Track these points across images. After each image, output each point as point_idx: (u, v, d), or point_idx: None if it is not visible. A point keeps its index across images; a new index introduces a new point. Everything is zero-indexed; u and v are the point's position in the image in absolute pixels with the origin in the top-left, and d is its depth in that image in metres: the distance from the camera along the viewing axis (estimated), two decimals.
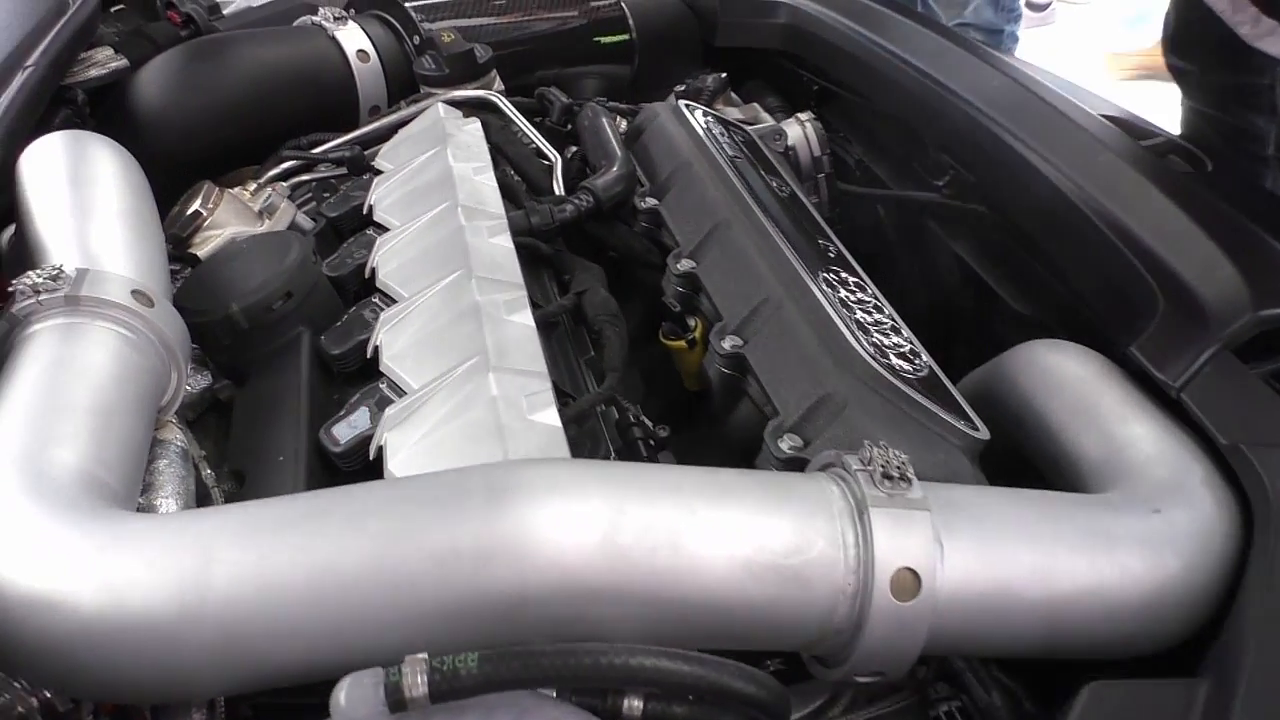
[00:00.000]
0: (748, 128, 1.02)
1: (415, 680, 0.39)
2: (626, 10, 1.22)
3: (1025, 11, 3.26)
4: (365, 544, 0.43)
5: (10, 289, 0.60)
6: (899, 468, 0.47)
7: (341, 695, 0.39)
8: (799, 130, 1.03)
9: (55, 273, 0.59)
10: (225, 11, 1.11)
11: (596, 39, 1.19)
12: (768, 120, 1.07)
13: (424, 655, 0.40)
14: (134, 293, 0.61)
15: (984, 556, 0.47)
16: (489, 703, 0.40)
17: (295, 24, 1.06)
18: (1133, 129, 1.07)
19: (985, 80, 0.99)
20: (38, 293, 0.58)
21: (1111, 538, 0.50)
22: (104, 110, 0.97)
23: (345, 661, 0.42)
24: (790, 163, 1.03)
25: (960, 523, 0.48)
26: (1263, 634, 0.45)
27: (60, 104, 0.95)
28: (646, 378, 0.81)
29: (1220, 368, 0.62)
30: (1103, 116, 1.07)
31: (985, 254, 0.97)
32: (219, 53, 0.96)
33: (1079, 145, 0.86)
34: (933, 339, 1.06)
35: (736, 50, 1.30)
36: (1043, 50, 2.55)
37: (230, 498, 0.62)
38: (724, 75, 1.13)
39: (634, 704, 0.44)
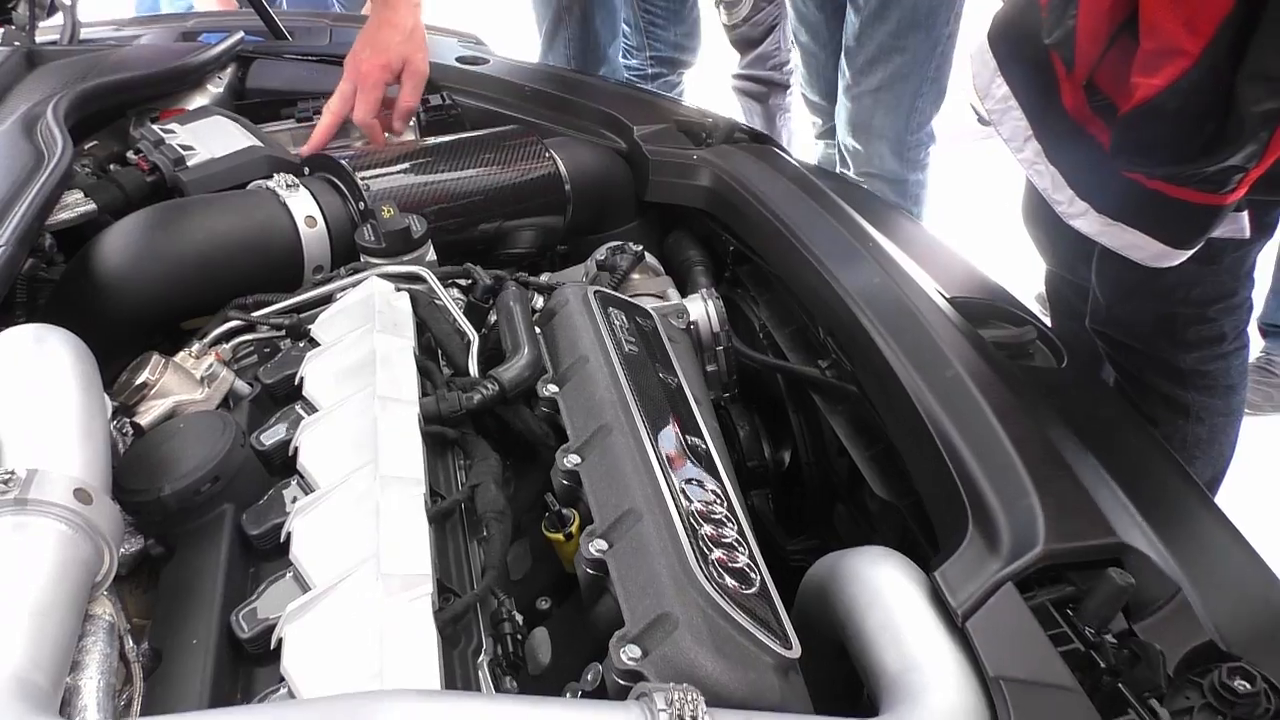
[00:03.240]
0: (653, 303, 1.14)
1: None
2: (560, 170, 1.34)
3: (974, 125, 3.42)
4: None
5: None
6: (693, 713, 0.58)
7: None
8: (700, 307, 1.15)
9: (7, 476, 0.69)
10: (190, 163, 1.21)
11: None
12: (675, 298, 1.19)
13: None
14: (75, 491, 0.70)
15: None
16: None
17: (250, 187, 1.16)
18: (1005, 315, 1.20)
19: (868, 278, 1.11)
20: None
21: None
22: (69, 265, 1.07)
23: None
24: (692, 337, 1.14)
25: None
26: None
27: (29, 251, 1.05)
28: (536, 554, 0.92)
29: (1004, 599, 0.74)
30: (978, 300, 1.20)
31: (857, 434, 1.09)
32: (178, 220, 1.07)
33: (934, 359, 0.98)
34: (818, 488, 1.18)
35: (663, 205, 1.43)
36: (990, 168, 2.66)
37: (148, 673, 0.72)
38: (640, 249, 1.25)
39: None
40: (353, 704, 0.57)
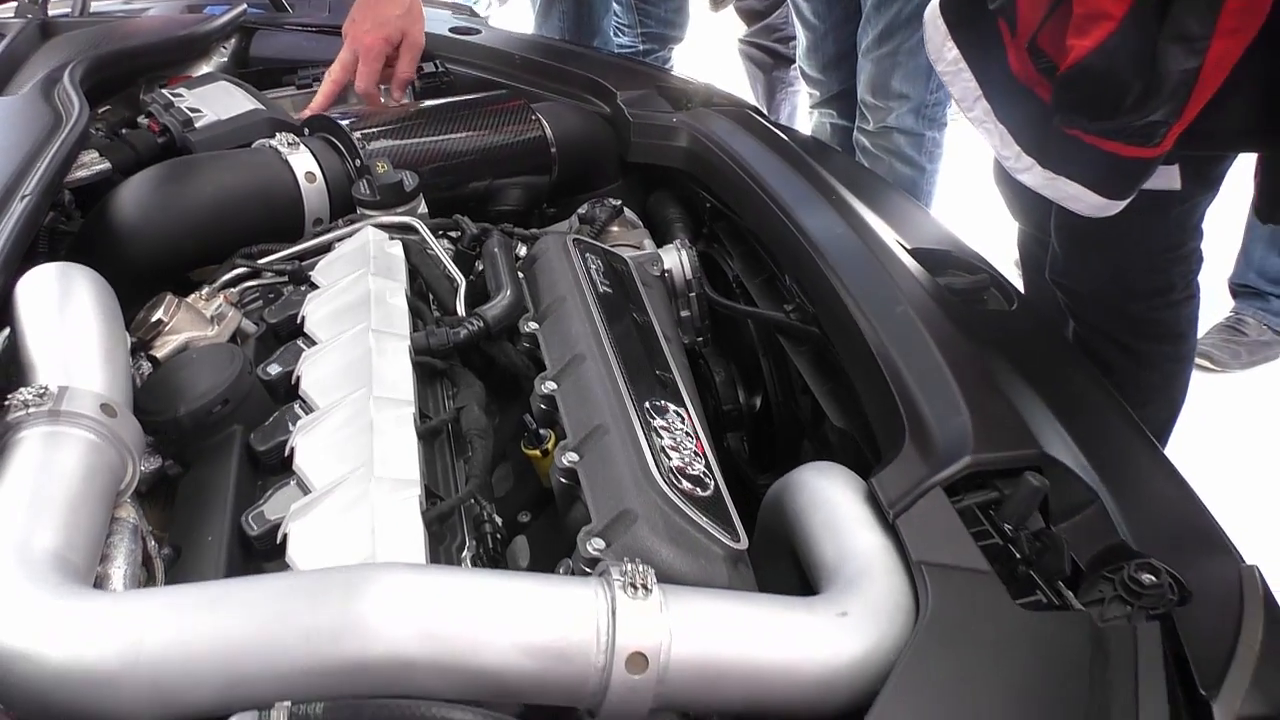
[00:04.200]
0: (630, 252, 1.22)
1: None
2: (547, 132, 1.42)
3: None
4: (254, 622, 0.62)
5: (5, 403, 0.78)
6: (644, 581, 0.67)
7: None
8: (674, 257, 1.23)
9: (41, 391, 0.78)
10: (198, 124, 1.29)
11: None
12: (651, 249, 1.27)
13: (288, 703, 0.58)
14: (102, 406, 0.79)
15: (701, 646, 0.67)
16: None
17: (254, 145, 1.25)
18: (961, 264, 1.28)
19: (830, 228, 1.19)
20: (27, 406, 0.77)
21: (802, 633, 0.69)
22: (87, 217, 1.15)
23: (233, 705, 0.60)
24: (666, 284, 1.22)
25: (687, 621, 0.67)
26: (884, 711, 0.64)
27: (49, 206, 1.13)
28: (518, 474, 1.00)
29: (933, 502, 0.82)
30: (936, 250, 1.28)
31: (818, 372, 1.17)
32: (188, 175, 1.15)
33: (886, 297, 1.06)
34: (786, 426, 1.26)
35: (646, 165, 1.51)
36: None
37: (168, 566, 0.81)
38: (617, 203, 1.33)
39: None
40: (347, 574, 0.66)
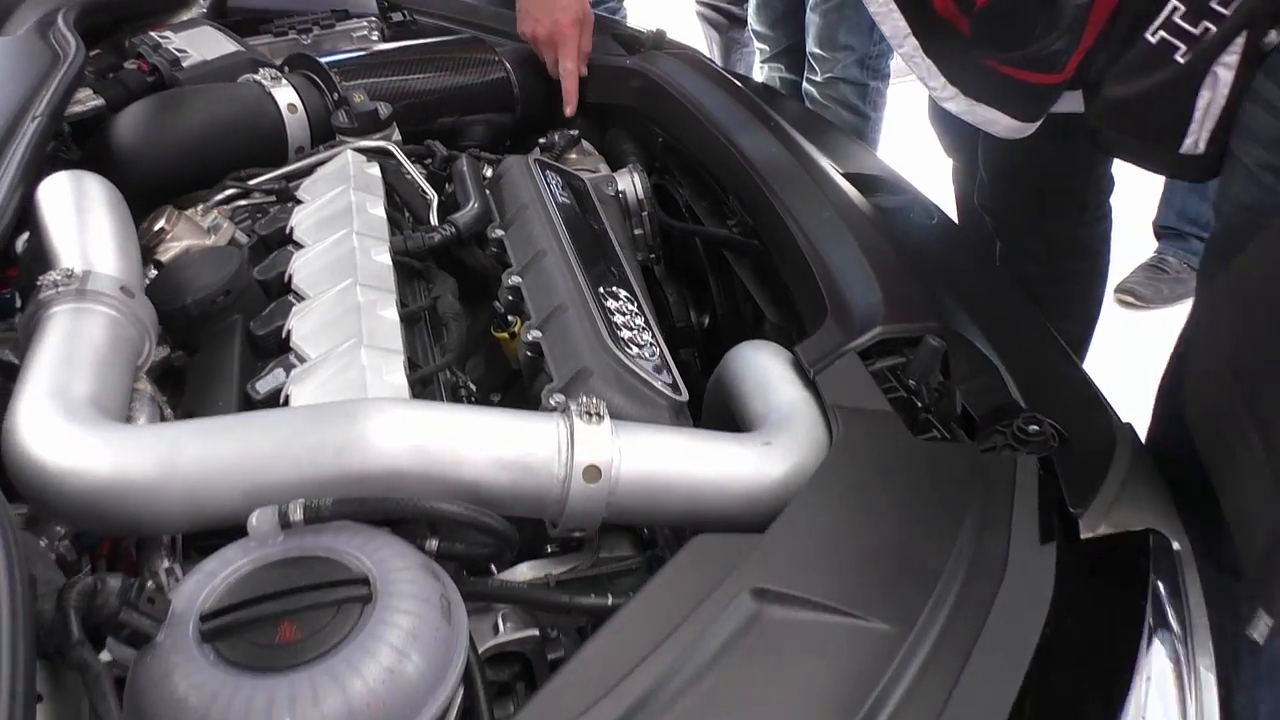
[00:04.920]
0: (586, 175, 1.34)
1: (296, 512, 0.70)
2: (510, 74, 1.53)
3: None
4: (273, 440, 0.74)
5: (37, 284, 0.89)
6: (597, 411, 0.79)
7: (254, 519, 0.70)
8: (628, 179, 1.35)
9: (68, 273, 0.89)
10: (185, 64, 1.40)
11: None
12: (605, 170, 1.39)
13: (302, 499, 0.70)
14: (121, 288, 0.90)
15: (646, 464, 0.79)
16: (338, 527, 0.71)
17: (239, 80, 1.35)
18: (888, 186, 1.42)
19: (768, 150, 1.32)
20: (56, 286, 0.88)
21: (732, 458, 0.82)
22: (88, 144, 1.25)
23: (256, 507, 0.72)
24: (621, 204, 1.34)
25: (634, 444, 0.80)
26: (794, 511, 0.77)
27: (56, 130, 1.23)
28: (488, 360, 1.12)
29: (847, 362, 0.95)
30: (865, 174, 1.41)
31: (758, 279, 1.30)
32: (180, 105, 1.25)
33: (816, 206, 1.19)
34: (731, 335, 1.39)
35: (606, 104, 1.63)
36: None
37: None
38: (574, 133, 1.45)
39: (431, 544, 0.75)
40: (349, 404, 0.78)
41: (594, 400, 0.80)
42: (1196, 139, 1.16)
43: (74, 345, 0.84)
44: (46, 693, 0.61)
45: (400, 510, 0.72)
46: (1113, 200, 1.71)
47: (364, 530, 0.72)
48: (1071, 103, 1.33)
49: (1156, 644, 0.81)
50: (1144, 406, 1.11)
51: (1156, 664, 0.78)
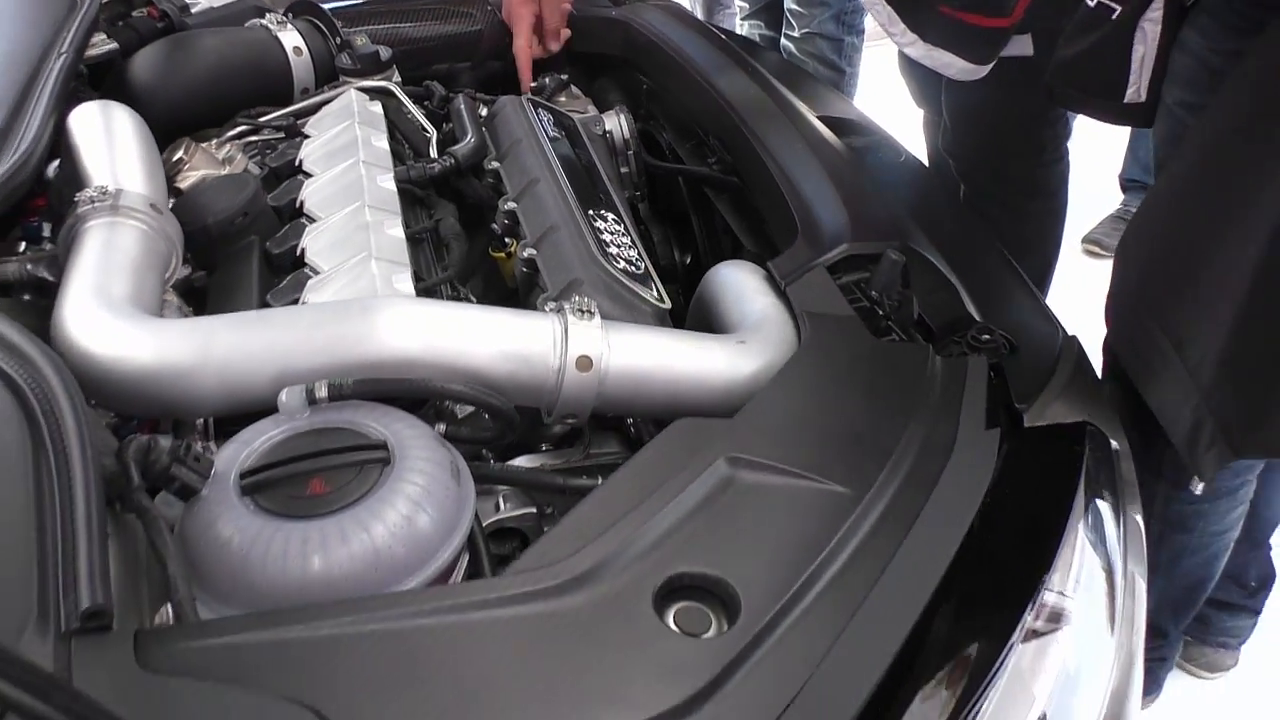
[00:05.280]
0: (575, 116, 1.42)
1: (321, 390, 0.78)
2: (498, 22, 1.61)
3: None
4: (297, 330, 0.83)
5: (74, 200, 0.97)
6: (589, 309, 0.88)
7: (283, 396, 0.78)
8: (615, 120, 1.43)
9: (103, 190, 0.97)
10: (194, 10, 1.47)
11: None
12: (594, 112, 1.47)
13: (326, 380, 0.79)
14: (151, 205, 0.98)
15: (632, 358, 0.89)
16: (358, 405, 0.80)
17: (247, 25, 1.42)
18: (859, 128, 1.50)
19: (745, 91, 1.40)
20: (93, 202, 0.96)
21: (710, 355, 0.91)
22: (104, 84, 1.33)
23: (283, 389, 0.81)
24: (608, 144, 1.43)
25: (622, 340, 0.89)
26: (765, 396, 0.87)
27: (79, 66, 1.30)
28: (487, 280, 1.21)
29: (815, 275, 1.04)
30: (836, 117, 1.50)
31: (737, 212, 1.39)
32: (191, 46, 1.33)
33: (788, 139, 1.28)
34: (710, 264, 1.47)
35: (590, 54, 1.71)
36: None
37: None
38: (564, 77, 1.53)
39: (439, 428, 0.84)
40: (362, 302, 0.86)
41: (586, 302, 0.89)
42: (1138, 88, 1.26)
43: (111, 253, 0.92)
44: (111, 533, 0.69)
45: (413, 389, 0.81)
46: (1080, 155, 1.80)
47: (381, 407, 0.81)
48: (1021, 46, 1.43)
49: (1098, 504, 0.91)
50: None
51: (1094, 518, 0.87)
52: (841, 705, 0.65)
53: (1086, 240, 2.61)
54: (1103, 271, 2.57)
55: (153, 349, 0.82)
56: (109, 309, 0.85)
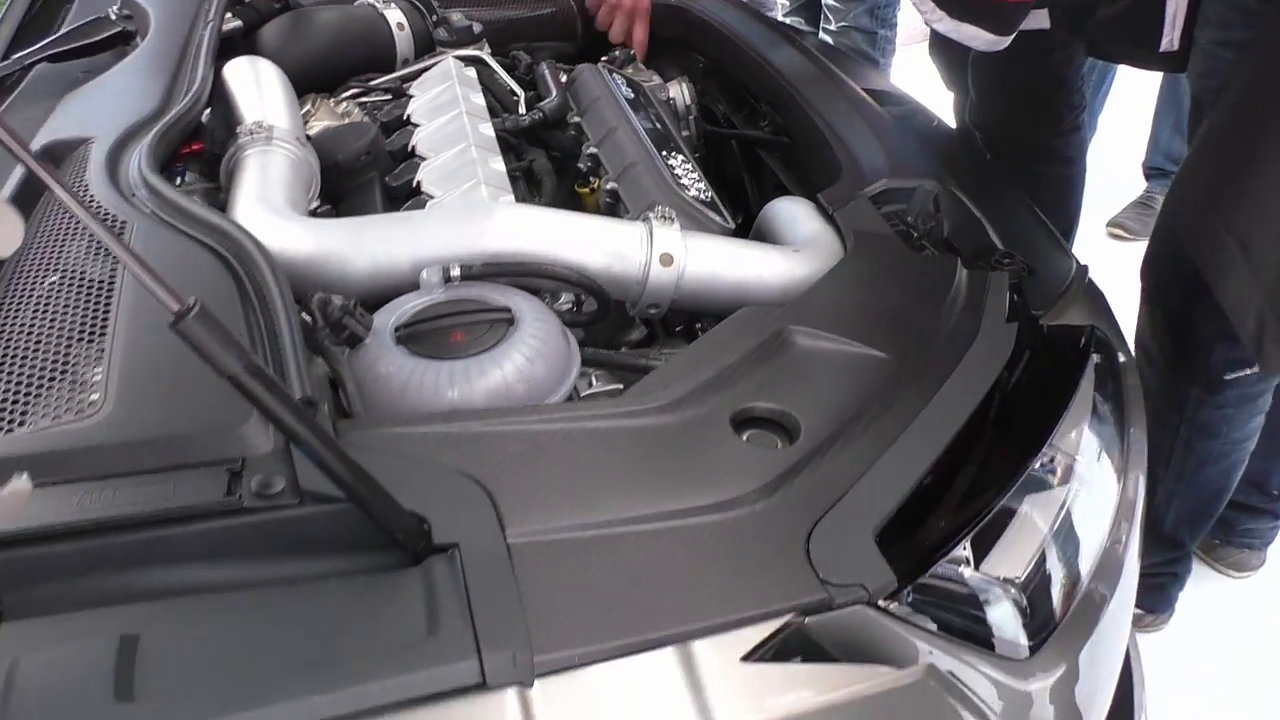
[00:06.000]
0: (644, 84, 1.60)
1: (455, 269, 0.96)
2: (573, 6, 1.80)
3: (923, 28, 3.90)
4: (431, 225, 1.01)
5: (235, 132, 1.16)
6: (671, 216, 1.05)
7: (424, 274, 0.96)
8: (677, 89, 1.61)
9: (258, 125, 1.16)
10: None
11: None
12: (658, 80, 1.65)
13: (459, 262, 0.97)
14: (296, 139, 1.17)
15: (705, 258, 1.06)
16: (484, 285, 0.97)
17: (356, 4, 1.62)
18: (897, 99, 1.67)
19: (793, 62, 1.58)
20: (251, 134, 1.15)
21: (771, 260, 1.08)
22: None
23: (418, 272, 0.98)
24: (671, 109, 1.60)
25: (697, 244, 1.06)
26: (817, 287, 1.03)
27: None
28: None
29: (859, 203, 1.21)
30: (877, 89, 1.67)
31: (785, 167, 1.56)
32: (311, 21, 1.52)
33: (832, 98, 1.45)
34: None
35: (652, 36, 1.89)
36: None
37: None
38: (632, 51, 1.71)
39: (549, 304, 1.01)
40: (485, 204, 1.04)
41: (668, 212, 1.07)
42: (1171, 39, 1.43)
43: (268, 173, 1.11)
44: None
45: (530, 271, 0.99)
46: (1105, 146, 1.96)
47: (502, 287, 0.98)
48: (1038, 20, 1.59)
49: (1102, 402, 1.06)
50: (1133, 316, 1.40)
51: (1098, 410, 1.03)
52: (879, 506, 0.81)
53: (1111, 224, 2.76)
54: (1127, 251, 2.72)
55: (313, 240, 1.00)
56: (273, 212, 1.03)
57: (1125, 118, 2.83)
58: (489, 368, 0.87)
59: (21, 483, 0.55)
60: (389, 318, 0.92)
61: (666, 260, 1.03)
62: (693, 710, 0.65)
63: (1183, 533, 1.61)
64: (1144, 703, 1.33)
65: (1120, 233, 2.73)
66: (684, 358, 0.92)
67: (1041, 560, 0.92)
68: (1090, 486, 1.01)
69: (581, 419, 0.82)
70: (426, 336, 0.90)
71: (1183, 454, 1.50)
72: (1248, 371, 1.42)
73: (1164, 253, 1.46)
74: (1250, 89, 1.27)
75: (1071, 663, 0.89)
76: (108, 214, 0.95)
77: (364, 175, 1.28)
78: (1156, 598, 1.69)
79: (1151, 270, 1.49)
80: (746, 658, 0.68)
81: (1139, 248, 2.61)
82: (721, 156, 1.71)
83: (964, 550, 0.86)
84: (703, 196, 1.21)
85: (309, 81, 1.52)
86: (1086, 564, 0.97)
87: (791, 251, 1.11)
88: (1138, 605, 1.72)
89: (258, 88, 1.24)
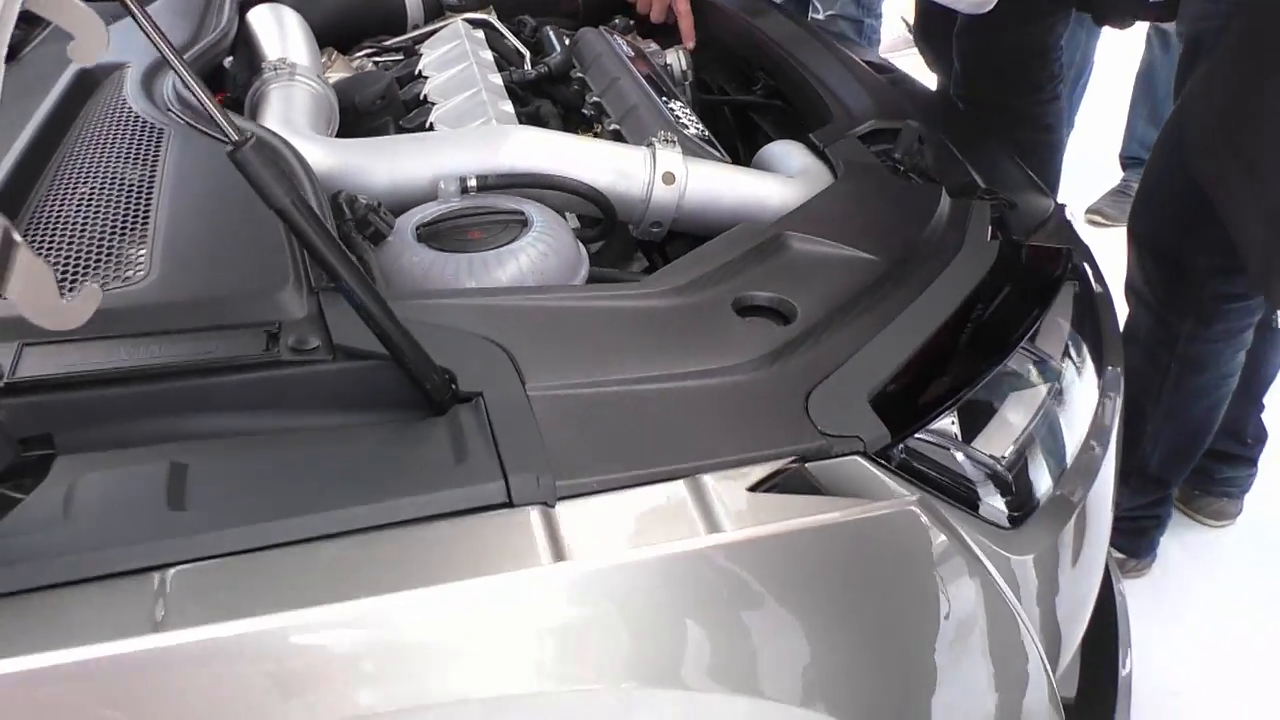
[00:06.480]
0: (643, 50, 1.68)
1: (471, 181, 1.02)
2: None
3: (904, 37, 4.01)
4: (448, 142, 1.07)
5: (260, 68, 1.22)
6: (672, 139, 1.12)
7: (442, 183, 1.02)
8: (674, 56, 1.68)
9: (280, 62, 1.22)
10: None
11: None
12: (655, 48, 1.73)
13: (475, 173, 1.03)
14: (316, 76, 1.24)
15: (705, 180, 1.12)
16: (499, 194, 1.03)
17: None
18: (879, 66, 1.75)
19: (784, 28, 1.66)
20: (275, 69, 1.21)
21: (766, 185, 1.15)
22: None
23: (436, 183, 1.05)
24: (669, 74, 1.68)
25: (697, 167, 1.12)
26: (809, 203, 1.10)
27: None
28: None
29: (848, 141, 1.28)
30: (870, 59, 1.75)
31: (778, 127, 1.63)
32: None
33: (820, 57, 1.53)
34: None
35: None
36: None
37: None
38: (631, 21, 1.79)
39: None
40: (501, 126, 1.11)
41: (670, 136, 1.13)
42: None
43: (291, 102, 1.17)
44: None
45: (541, 181, 1.05)
46: (1083, 137, 2.03)
47: (516, 197, 1.04)
48: None
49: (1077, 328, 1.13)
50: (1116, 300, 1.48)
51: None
52: (873, 375, 0.87)
53: (1090, 211, 2.85)
54: (1106, 237, 2.80)
55: (335, 158, 1.06)
56: (295, 131, 1.10)
57: (1102, 111, 2.93)
58: (506, 260, 0.93)
59: (93, 289, 0.60)
60: (411, 218, 0.99)
61: (669, 179, 1.10)
62: (702, 528, 0.70)
63: (1168, 472, 1.67)
64: (1129, 638, 1.39)
65: (1099, 219, 2.82)
66: (687, 257, 0.98)
67: (1024, 447, 0.98)
68: (1071, 388, 1.07)
69: (595, 298, 0.88)
70: (446, 234, 0.96)
71: (1172, 392, 1.57)
72: (1239, 305, 1.50)
73: (1161, 191, 1.54)
74: (1261, 15, 1.35)
75: (1050, 543, 0.95)
76: (148, 122, 1.01)
77: (379, 119, 1.34)
78: (1139, 542, 1.75)
79: (1145, 213, 1.57)
80: (753, 489, 0.74)
81: (1117, 233, 2.71)
82: (715, 123, 1.79)
83: (953, 425, 0.92)
84: (700, 133, 1.28)
85: (323, 42, 1.59)
86: (1067, 460, 1.03)
87: (786, 178, 1.17)
88: (1121, 550, 1.78)
89: (280, 30, 1.31)
